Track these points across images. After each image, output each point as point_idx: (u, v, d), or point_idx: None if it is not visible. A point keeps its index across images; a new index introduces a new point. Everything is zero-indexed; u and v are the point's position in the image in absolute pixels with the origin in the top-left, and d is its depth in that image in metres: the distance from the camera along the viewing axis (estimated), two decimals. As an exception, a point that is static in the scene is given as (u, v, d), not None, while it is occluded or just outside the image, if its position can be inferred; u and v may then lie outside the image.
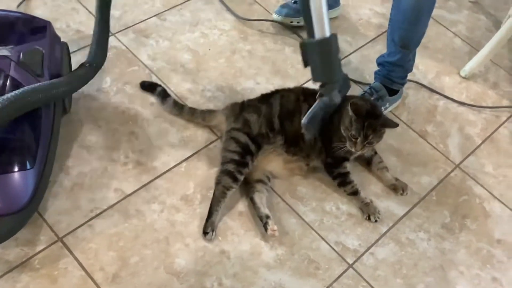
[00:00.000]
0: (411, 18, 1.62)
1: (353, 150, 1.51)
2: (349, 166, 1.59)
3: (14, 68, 1.35)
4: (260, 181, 1.54)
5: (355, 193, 1.57)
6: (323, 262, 1.45)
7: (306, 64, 1.41)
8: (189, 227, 1.45)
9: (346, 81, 1.53)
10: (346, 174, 1.57)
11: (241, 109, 1.60)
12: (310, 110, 1.44)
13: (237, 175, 1.48)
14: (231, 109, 1.63)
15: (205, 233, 1.43)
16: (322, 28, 1.33)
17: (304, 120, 1.42)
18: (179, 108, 1.67)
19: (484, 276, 1.50)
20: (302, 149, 1.56)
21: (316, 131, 1.49)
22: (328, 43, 1.35)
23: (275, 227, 1.44)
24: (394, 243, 1.53)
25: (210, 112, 1.66)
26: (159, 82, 1.76)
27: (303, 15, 1.42)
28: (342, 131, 1.51)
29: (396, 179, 1.63)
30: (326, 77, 1.42)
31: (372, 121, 1.48)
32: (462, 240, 1.57)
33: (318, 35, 1.34)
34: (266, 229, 1.44)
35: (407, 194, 1.61)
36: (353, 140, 1.49)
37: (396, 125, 1.56)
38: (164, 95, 1.68)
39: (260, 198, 1.50)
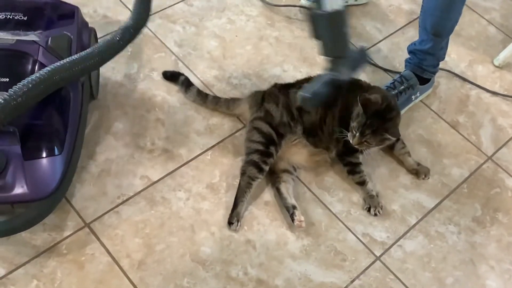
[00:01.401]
0: (444, 5, 1.57)
1: (350, 141, 1.47)
2: (361, 157, 1.55)
3: (43, 53, 1.34)
4: (286, 171, 1.52)
5: (362, 183, 1.53)
6: (350, 254, 1.43)
7: (316, 37, 1.34)
8: (215, 215, 1.45)
9: (363, 55, 1.47)
10: (357, 164, 1.54)
11: (263, 99, 1.58)
12: (314, 82, 1.36)
13: (262, 165, 1.46)
14: (254, 97, 1.61)
15: (230, 223, 1.42)
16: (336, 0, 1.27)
17: (304, 92, 1.35)
18: (203, 97, 1.65)
19: (515, 272, 1.47)
20: (321, 139, 1.54)
21: (316, 105, 1.44)
22: (341, 16, 1.29)
23: (302, 218, 1.43)
24: (423, 236, 1.50)
25: (234, 100, 1.65)
26: (185, 69, 1.75)
27: None
28: (351, 119, 1.48)
29: (418, 164, 1.60)
30: (336, 51, 1.35)
31: (375, 121, 1.43)
32: (493, 234, 1.53)
33: (329, 6, 1.27)
34: (293, 220, 1.43)
35: (428, 178, 1.59)
36: (353, 132, 1.46)
37: (397, 137, 1.51)
38: (187, 84, 1.67)
39: (287, 188, 1.48)
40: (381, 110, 1.46)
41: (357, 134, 1.45)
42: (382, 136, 1.46)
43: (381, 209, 1.51)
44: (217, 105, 1.65)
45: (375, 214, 1.50)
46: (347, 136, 1.48)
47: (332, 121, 1.53)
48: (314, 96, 1.34)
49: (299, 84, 1.59)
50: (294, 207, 1.44)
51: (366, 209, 1.51)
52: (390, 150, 1.63)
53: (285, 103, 1.55)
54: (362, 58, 1.47)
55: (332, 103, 1.51)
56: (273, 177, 1.51)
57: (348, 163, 1.55)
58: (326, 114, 1.53)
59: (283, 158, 1.53)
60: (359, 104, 1.43)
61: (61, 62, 1.25)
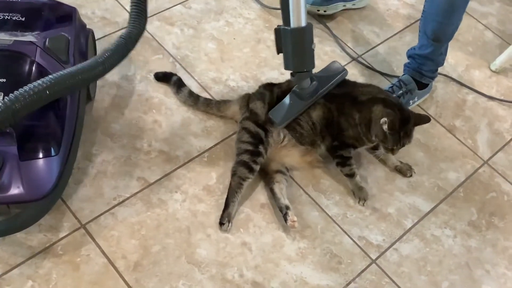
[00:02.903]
0: (445, 11, 1.57)
1: (389, 153, 1.52)
2: (352, 152, 1.56)
3: (40, 54, 1.34)
4: (279, 171, 1.52)
5: (352, 175, 1.54)
6: (346, 257, 1.43)
7: (279, 50, 1.44)
8: (211, 217, 1.45)
9: (335, 67, 1.56)
10: (348, 157, 1.55)
11: (248, 100, 1.59)
12: (280, 107, 1.51)
13: (253, 165, 1.47)
14: (243, 99, 1.61)
15: (221, 224, 1.42)
16: (298, 17, 1.35)
17: (272, 116, 1.50)
18: (194, 99, 1.65)
19: (510, 275, 1.47)
20: (303, 135, 1.53)
21: (283, 121, 1.51)
22: (302, 33, 1.37)
23: (295, 218, 1.43)
24: (419, 240, 1.50)
25: (225, 102, 1.65)
26: (183, 71, 1.75)
27: (280, 1, 1.42)
28: (373, 137, 1.50)
29: (400, 162, 1.61)
30: (296, 66, 1.44)
31: (407, 128, 1.47)
32: (489, 238, 1.54)
33: (293, 23, 1.36)
34: (286, 220, 1.43)
35: (411, 175, 1.60)
36: (389, 148, 1.49)
37: (428, 119, 1.55)
38: (179, 85, 1.66)
39: (280, 188, 1.49)
40: (401, 117, 1.47)
41: (397, 147, 1.49)
42: (413, 131, 1.50)
43: (365, 200, 1.53)
44: (208, 107, 1.65)
45: (363, 205, 1.53)
46: (377, 152, 1.55)
47: (317, 117, 1.53)
48: (274, 113, 1.51)
49: (284, 83, 1.61)
50: (287, 208, 1.44)
51: (357, 201, 1.54)
52: (371, 149, 1.62)
53: (270, 100, 1.56)
54: (336, 69, 1.54)
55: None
56: (267, 178, 1.52)
57: (339, 155, 1.55)
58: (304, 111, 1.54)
59: (275, 159, 1.54)
60: (387, 129, 1.45)
61: (66, 70, 1.23)
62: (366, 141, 1.53)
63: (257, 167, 1.47)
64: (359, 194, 1.53)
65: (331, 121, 1.53)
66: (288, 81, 1.60)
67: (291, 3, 1.34)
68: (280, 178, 1.51)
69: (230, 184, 1.46)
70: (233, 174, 1.47)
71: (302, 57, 1.41)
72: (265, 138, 1.51)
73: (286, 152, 1.54)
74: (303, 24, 1.36)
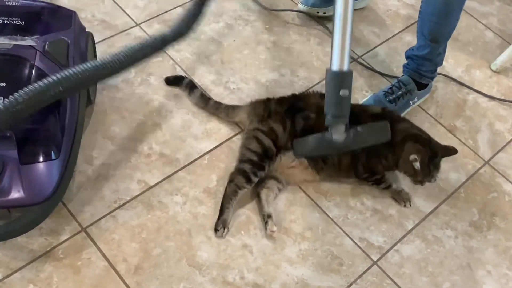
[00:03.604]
0: (441, 11, 1.57)
1: (418, 185, 1.54)
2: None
3: (40, 58, 1.34)
4: (273, 178, 1.50)
5: (388, 187, 1.56)
6: (347, 258, 1.43)
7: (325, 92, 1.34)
8: (212, 220, 1.44)
9: (382, 129, 1.37)
10: (381, 177, 1.56)
11: (265, 111, 1.55)
12: (307, 141, 1.35)
13: (252, 176, 1.45)
14: (254, 107, 1.59)
15: (216, 230, 1.42)
16: (341, 60, 1.25)
17: (296, 150, 1.36)
18: (205, 101, 1.66)
19: (512, 276, 1.47)
20: (323, 169, 1.52)
21: (303, 155, 1.44)
22: (338, 77, 1.27)
23: (274, 228, 1.42)
24: (420, 241, 1.50)
25: (234, 108, 1.64)
26: (183, 74, 1.75)
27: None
28: (402, 171, 1.53)
29: (402, 189, 1.58)
30: (328, 109, 1.32)
31: (436, 161, 1.49)
32: (490, 238, 1.53)
33: (333, 65, 1.26)
34: (266, 228, 1.43)
35: (410, 206, 1.56)
36: (419, 181, 1.51)
37: (456, 151, 1.55)
38: (191, 87, 1.68)
39: (267, 195, 1.47)
40: (430, 152, 1.49)
41: (427, 179, 1.51)
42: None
43: (410, 201, 1.55)
44: (217, 111, 1.65)
45: (410, 205, 1.55)
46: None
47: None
48: (301, 155, 1.43)
49: (304, 106, 1.54)
50: (269, 216, 1.43)
51: (403, 206, 1.55)
52: None
53: (291, 130, 1.50)
54: (380, 132, 1.42)
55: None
56: (258, 182, 1.48)
57: (373, 180, 1.56)
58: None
59: (277, 169, 1.51)
60: (418, 166, 1.46)
61: (66, 71, 1.21)
62: (393, 170, 1.56)
63: (255, 179, 1.46)
64: (402, 197, 1.55)
65: (358, 158, 1.51)
66: (304, 100, 1.56)
67: (335, 44, 1.24)
68: (271, 185, 1.49)
69: (226, 190, 1.45)
70: (230, 180, 1.46)
71: (335, 102, 1.31)
72: (275, 156, 1.49)
73: (293, 171, 1.52)
74: (345, 68, 1.26)
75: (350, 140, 1.35)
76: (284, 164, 1.50)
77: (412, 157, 1.46)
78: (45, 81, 1.16)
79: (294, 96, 1.61)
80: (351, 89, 1.30)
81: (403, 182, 1.60)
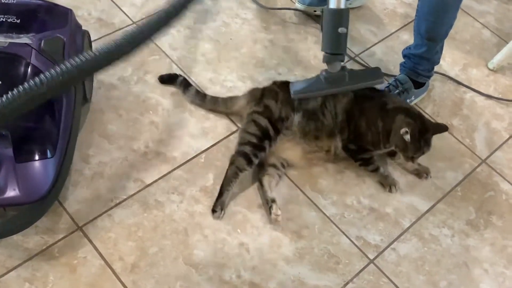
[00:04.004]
0: (438, 10, 1.57)
1: (409, 161, 1.55)
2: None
3: (35, 56, 1.34)
4: (273, 165, 1.52)
5: (376, 170, 1.57)
6: (344, 257, 1.43)
7: (321, 30, 1.49)
8: (208, 218, 1.44)
9: (375, 73, 1.54)
10: (369, 157, 1.57)
11: (262, 94, 1.59)
12: (306, 80, 1.54)
13: (252, 158, 1.47)
14: (252, 93, 1.62)
15: (213, 211, 1.43)
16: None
17: (294, 86, 1.52)
18: (201, 97, 1.66)
19: (509, 274, 1.47)
20: (324, 124, 1.53)
21: (299, 93, 1.53)
22: (336, 15, 1.41)
23: (279, 212, 1.44)
24: (417, 239, 1.49)
25: (232, 98, 1.65)
26: (180, 72, 1.74)
27: None
28: (392, 146, 1.53)
29: (419, 164, 1.61)
30: (326, 47, 1.47)
31: (427, 136, 1.50)
32: (487, 237, 1.53)
33: (331, 3, 1.42)
34: (270, 213, 1.44)
35: (431, 177, 1.60)
36: (409, 157, 1.52)
37: (446, 128, 1.58)
38: (186, 85, 1.67)
39: (269, 182, 1.49)
40: (421, 126, 1.50)
41: (417, 155, 1.52)
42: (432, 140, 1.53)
43: (398, 184, 1.57)
44: (216, 105, 1.65)
45: (396, 191, 1.56)
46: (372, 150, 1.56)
47: (336, 108, 1.54)
48: (296, 93, 1.53)
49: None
50: (273, 201, 1.45)
51: (387, 190, 1.56)
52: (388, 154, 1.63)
53: (284, 98, 1.55)
54: (372, 74, 1.55)
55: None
56: (259, 169, 1.52)
57: (361, 159, 1.58)
58: (326, 100, 1.54)
59: (274, 153, 1.54)
60: (409, 140, 1.47)
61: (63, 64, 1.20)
62: (382, 148, 1.55)
63: (256, 161, 1.48)
64: (387, 182, 1.56)
65: (352, 118, 1.54)
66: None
67: None
68: (272, 172, 1.51)
69: (226, 172, 1.46)
70: (231, 163, 1.48)
71: (332, 39, 1.44)
72: (273, 135, 1.51)
73: (290, 146, 1.54)
74: (342, 6, 1.39)
75: (346, 78, 1.48)
76: (281, 140, 1.53)
77: (403, 130, 1.47)
78: (41, 76, 1.15)
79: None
80: (348, 26, 1.42)
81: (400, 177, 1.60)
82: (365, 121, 1.53)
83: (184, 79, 1.69)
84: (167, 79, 1.71)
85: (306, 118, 1.53)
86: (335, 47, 1.47)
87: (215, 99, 1.65)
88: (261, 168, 1.52)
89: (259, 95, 1.59)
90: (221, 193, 1.44)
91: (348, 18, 1.45)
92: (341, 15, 1.44)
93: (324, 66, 1.55)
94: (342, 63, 1.53)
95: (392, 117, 1.52)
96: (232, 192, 1.47)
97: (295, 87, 1.55)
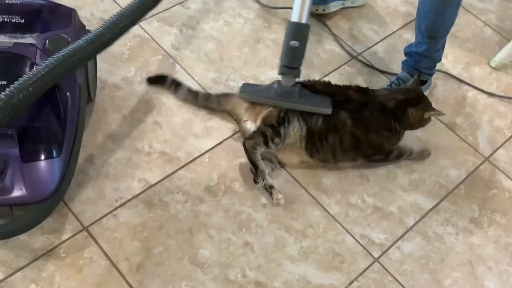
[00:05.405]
0: (438, 8, 1.58)
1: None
2: None
3: (40, 56, 1.34)
4: (267, 159, 1.53)
5: (410, 152, 1.63)
6: (348, 256, 1.43)
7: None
8: (213, 218, 1.44)
9: (325, 103, 1.52)
10: (388, 154, 1.60)
11: None
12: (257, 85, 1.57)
13: (269, 142, 1.48)
14: None
15: (256, 182, 1.45)
16: (300, 13, 1.45)
17: (243, 88, 1.56)
18: (194, 95, 1.65)
19: (513, 272, 1.47)
20: (319, 151, 1.53)
21: (245, 95, 1.56)
22: (294, 28, 1.45)
23: (280, 196, 1.46)
24: (421, 237, 1.50)
25: (225, 95, 1.65)
26: (182, 72, 1.75)
27: None
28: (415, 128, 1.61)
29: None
30: (281, 58, 1.49)
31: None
32: (490, 235, 1.54)
33: (293, 17, 1.45)
34: (272, 199, 1.46)
35: (430, 154, 1.66)
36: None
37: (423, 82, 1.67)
38: (177, 84, 1.66)
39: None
40: (421, 99, 1.60)
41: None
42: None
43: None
44: (208, 101, 1.65)
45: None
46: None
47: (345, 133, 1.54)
48: (243, 94, 1.56)
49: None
50: (271, 187, 1.47)
51: (428, 156, 1.65)
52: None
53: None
54: (323, 104, 1.52)
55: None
56: None
57: (392, 158, 1.61)
58: (335, 125, 1.53)
59: (273, 153, 1.54)
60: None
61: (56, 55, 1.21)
62: (401, 139, 1.61)
63: (272, 146, 1.49)
64: (424, 154, 1.65)
65: (359, 138, 1.54)
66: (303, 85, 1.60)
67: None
68: (265, 163, 1.51)
69: (245, 147, 1.47)
70: (249, 138, 1.49)
71: (286, 52, 1.46)
72: (287, 123, 1.51)
73: (287, 152, 1.54)
74: (303, 21, 1.42)
75: (295, 95, 1.53)
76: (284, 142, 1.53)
77: (427, 115, 1.57)
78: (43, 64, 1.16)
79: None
80: (305, 42, 1.44)
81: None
82: (375, 133, 1.54)
83: (173, 79, 1.67)
84: (156, 80, 1.69)
85: (311, 137, 1.52)
86: (288, 60, 1.47)
87: (207, 96, 1.65)
88: None
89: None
90: (255, 166, 1.46)
91: (306, 34, 1.45)
92: (299, 29, 1.45)
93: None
94: (297, 79, 1.53)
95: (403, 112, 1.56)
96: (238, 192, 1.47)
97: (245, 87, 1.58)
